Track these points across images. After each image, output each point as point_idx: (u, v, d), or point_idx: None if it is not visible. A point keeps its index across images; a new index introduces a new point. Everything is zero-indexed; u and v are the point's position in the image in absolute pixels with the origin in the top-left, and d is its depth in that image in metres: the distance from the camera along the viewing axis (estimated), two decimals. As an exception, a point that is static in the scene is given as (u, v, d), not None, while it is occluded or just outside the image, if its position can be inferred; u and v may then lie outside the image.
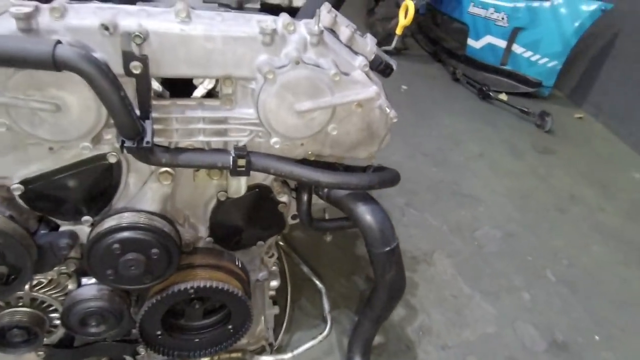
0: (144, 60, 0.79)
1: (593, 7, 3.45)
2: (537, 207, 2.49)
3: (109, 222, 0.93)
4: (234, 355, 1.34)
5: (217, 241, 1.14)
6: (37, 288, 1.02)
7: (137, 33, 0.77)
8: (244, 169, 0.94)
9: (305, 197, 1.09)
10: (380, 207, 1.07)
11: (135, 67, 0.79)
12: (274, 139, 0.95)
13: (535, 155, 3.07)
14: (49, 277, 1.03)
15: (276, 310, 1.43)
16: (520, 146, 3.15)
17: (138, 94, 0.82)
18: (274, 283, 1.38)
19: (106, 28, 0.76)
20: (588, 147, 3.28)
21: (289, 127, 0.93)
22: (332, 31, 0.95)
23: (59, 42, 0.69)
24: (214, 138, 0.96)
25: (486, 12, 4.01)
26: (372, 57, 1.02)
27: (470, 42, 4.21)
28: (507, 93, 3.86)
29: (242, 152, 0.94)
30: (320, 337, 1.37)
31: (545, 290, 1.93)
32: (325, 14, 0.95)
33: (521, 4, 3.77)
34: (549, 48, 3.68)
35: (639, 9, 3.42)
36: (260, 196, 1.09)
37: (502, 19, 3.88)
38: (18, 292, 1.00)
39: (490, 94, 3.79)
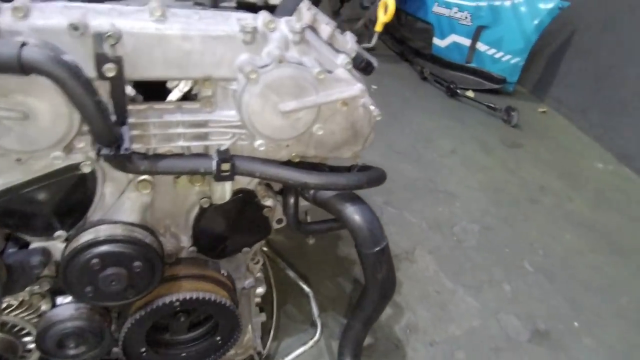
0: (118, 61, 0.74)
1: (551, 5, 3.58)
2: (510, 200, 2.55)
3: (86, 236, 0.87)
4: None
5: (200, 250, 1.09)
6: (8, 311, 0.95)
7: (109, 33, 0.73)
8: (228, 173, 0.90)
9: (291, 200, 1.06)
10: (368, 207, 1.05)
11: (109, 69, 0.74)
12: (258, 142, 0.92)
13: (504, 150, 3.14)
14: (20, 299, 0.96)
15: (263, 317, 1.39)
16: (490, 141, 3.22)
17: (112, 99, 0.77)
18: (260, 290, 1.34)
19: (75, 28, 0.71)
20: (553, 140, 3.39)
21: (274, 129, 0.90)
22: (313, 29, 0.93)
23: (24, 43, 0.64)
24: (195, 142, 0.92)
25: (450, 12, 4.09)
26: (354, 54, 1.01)
27: (436, 41, 4.28)
28: (473, 90, 3.95)
29: (225, 156, 0.90)
30: (311, 342, 1.35)
31: (523, 281, 1.97)
32: (305, 11, 0.93)
33: (483, 3, 3.87)
34: (511, 45, 3.78)
35: (593, 5, 3.57)
36: (244, 201, 1.05)
37: (466, 17, 3.97)
38: (-14, 317, 0.93)
39: (458, 91, 3.87)
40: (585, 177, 2.91)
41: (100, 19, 0.74)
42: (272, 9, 1.06)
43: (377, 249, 1.04)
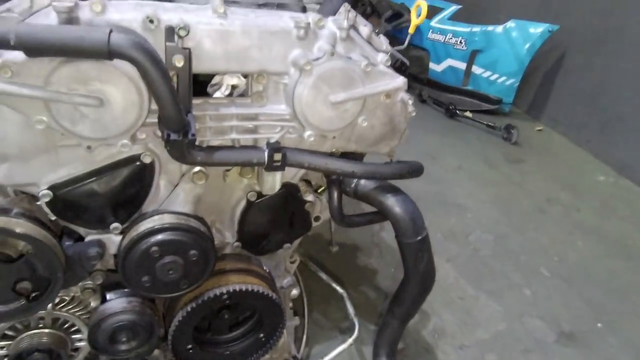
0: (187, 53, 0.79)
1: (541, 29, 3.76)
2: (519, 211, 2.60)
3: (146, 224, 0.90)
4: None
5: (244, 246, 1.11)
6: (60, 306, 0.95)
7: (180, 26, 0.78)
8: (279, 163, 0.94)
9: (335, 193, 1.09)
10: (408, 197, 1.09)
11: (179, 59, 0.79)
12: (307, 132, 0.96)
13: (508, 165, 3.22)
14: (72, 294, 0.97)
15: (297, 321, 1.39)
16: (493, 157, 3.30)
17: (180, 88, 0.82)
18: (294, 292, 1.35)
19: (151, 21, 0.77)
20: (553, 156, 3.49)
21: (323, 119, 0.95)
22: (355, 28, 1.00)
23: (112, 30, 0.69)
24: (246, 135, 0.96)
25: (445, 38, 4.27)
26: (389, 54, 1.07)
27: (432, 65, 4.44)
28: (471, 111, 4.07)
29: (277, 146, 0.94)
30: (350, 340, 1.34)
31: (543, 285, 1.99)
32: (346, 12, 0.99)
33: (477, 29, 4.05)
34: (505, 67, 3.94)
35: (582, 27, 3.75)
36: (288, 195, 1.08)
37: (461, 42, 4.14)
38: (39, 312, 0.93)
39: (457, 112, 3.99)
40: (588, 189, 2.99)
41: (170, 15, 0.80)
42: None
43: (419, 238, 1.07)
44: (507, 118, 4.03)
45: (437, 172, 2.92)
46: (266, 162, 0.93)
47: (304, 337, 1.46)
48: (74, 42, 0.67)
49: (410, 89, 3.89)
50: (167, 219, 0.91)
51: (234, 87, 1.04)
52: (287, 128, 0.98)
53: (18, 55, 0.70)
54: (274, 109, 0.96)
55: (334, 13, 0.99)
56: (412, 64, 4.70)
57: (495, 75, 4.02)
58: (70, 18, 0.73)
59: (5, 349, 0.93)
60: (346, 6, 1.01)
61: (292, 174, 1.06)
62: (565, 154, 3.53)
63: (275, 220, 1.10)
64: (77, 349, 1.01)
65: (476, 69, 4.13)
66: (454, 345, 1.62)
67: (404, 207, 1.07)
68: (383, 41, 1.09)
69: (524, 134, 3.72)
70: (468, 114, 4.00)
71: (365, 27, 1.03)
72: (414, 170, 1.06)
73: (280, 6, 1.04)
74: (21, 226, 0.80)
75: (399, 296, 1.21)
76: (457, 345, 1.62)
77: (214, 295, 0.99)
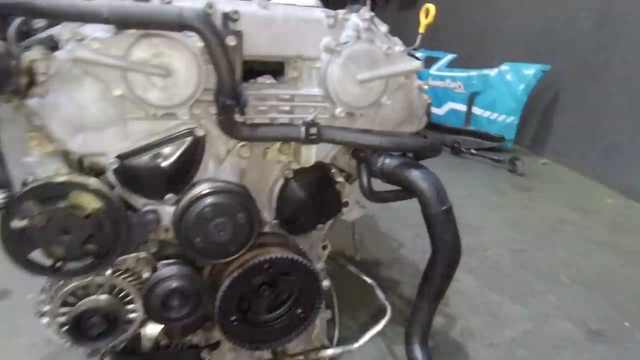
0: (239, 34, 0.94)
1: (533, 70, 4.02)
2: (533, 230, 2.66)
3: (200, 188, 1.00)
4: (296, 358, 1.30)
5: (282, 224, 1.20)
6: (117, 274, 1.03)
7: (234, 11, 0.94)
8: (315, 137, 1.06)
9: (365, 172, 1.19)
10: (431, 172, 1.19)
11: (231, 39, 0.94)
12: (338, 109, 1.09)
13: (516, 192, 3.32)
14: (127, 265, 1.04)
15: (329, 314, 1.43)
16: (501, 186, 3.41)
17: (229, 63, 0.96)
18: (325, 283, 1.40)
19: (210, 7, 0.92)
20: (559, 183, 3.59)
21: (352, 96, 1.08)
22: (374, 24, 1.16)
23: (185, 7, 0.84)
24: (283, 115, 1.09)
25: (444, 83, 4.55)
26: (405, 49, 1.22)
27: (434, 110, 4.68)
28: (475, 149, 4.23)
29: (313, 122, 1.06)
30: (383, 321, 1.37)
31: (566, 292, 2.01)
32: (366, 12, 1.16)
33: (473, 73, 4.33)
34: (504, 106, 4.16)
35: (573, 66, 4.01)
36: (321, 173, 1.19)
37: (459, 86, 4.41)
38: (99, 279, 1.00)
39: (462, 149, 4.15)
40: (598, 211, 3.05)
41: (224, 4, 0.96)
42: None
43: (444, 208, 1.16)
44: (511, 154, 4.17)
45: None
46: (303, 136, 1.05)
47: (336, 329, 1.48)
48: (154, 15, 0.82)
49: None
50: (218, 184, 1.01)
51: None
52: (320, 109, 1.11)
53: (106, 32, 0.85)
54: (308, 91, 1.10)
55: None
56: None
57: (495, 115, 4.23)
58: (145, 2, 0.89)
59: (66, 315, 0.99)
60: (365, 8, 1.19)
61: (324, 154, 1.17)
62: (572, 182, 3.63)
63: (310, 198, 1.19)
64: (130, 321, 1.06)
65: (476, 110, 4.36)
66: (483, 344, 1.62)
67: (428, 180, 1.16)
68: (397, 40, 1.25)
69: (530, 167, 3.85)
70: (473, 151, 4.16)
71: (382, 26, 1.19)
72: (434, 147, 1.18)
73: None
74: (96, 183, 0.90)
75: (428, 274, 1.26)
76: (486, 344, 1.63)
77: (258, 262, 1.06)
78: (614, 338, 1.71)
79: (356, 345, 1.32)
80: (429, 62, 4.87)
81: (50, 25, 0.99)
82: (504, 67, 4.17)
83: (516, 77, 4.09)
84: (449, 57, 4.73)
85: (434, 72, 4.66)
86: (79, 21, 0.83)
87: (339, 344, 1.41)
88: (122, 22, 0.83)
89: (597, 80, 3.75)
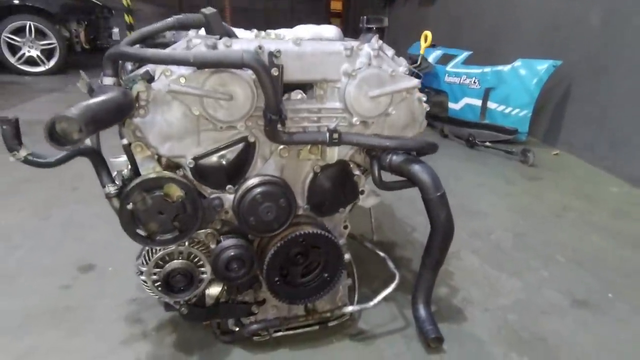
0: (280, 67, 1.28)
1: (546, 65, 4.22)
2: (536, 215, 2.92)
3: (252, 180, 1.35)
4: (324, 315, 1.65)
5: (311, 209, 1.54)
6: (192, 245, 1.39)
7: (277, 50, 1.28)
8: (336, 140, 1.39)
9: (376, 166, 1.52)
10: (429, 165, 1.50)
11: (275, 70, 1.28)
12: (354, 119, 1.42)
13: (526, 182, 3.57)
14: (199, 239, 1.41)
15: (349, 281, 1.77)
16: (511, 176, 3.66)
17: (274, 88, 1.30)
18: (347, 256, 1.74)
19: (260, 48, 1.27)
20: (569, 173, 3.81)
21: (365, 109, 1.41)
22: (383, 50, 1.48)
23: (245, 51, 1.18)
24: (312, 124, 1.42)
25: (460, 79, 4.79)
26: (407, 69, 1.54)
27: (451, 105, 4.93)
28: (490, 142, 4.47)
29: (334, 129, 1.40)
30: (393, 285, 1.69)
31: (558, 268, 2.28)
32: (376, 40, 1.48)
33: (487, 69, 4.56)
34: (517, 101, 4.37)
35: (584, 60, 4.20)
36: (342, 168, 1.52)
37: (474, 82, 4.64)
38: (180, 248, 1.37)
39: (477, 142, 4.40)
40: (602, 198, 3.28)
41: (269, 44, 1.30)
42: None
43: (439, 193, 1.48)
44: (524, 146, 4.40)
45: (460, 188, 3.30)
46: (328, 140, 1.38)
47: (355, 293, 1.81)
48: (223, 59, 1.17)
49: (432, 127, 4.54)
50: (266, 178, 1.36)
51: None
52: (340, 118, 1.44)
53: (188, 70, 1.20)
54: (331, 105, 1.43)
55: (368, 42, 1.48)
56: (433, 106, 5.21)
57: (509, 109, 4.45)
58: (213, 49, 1.24)
59: (157, 274, 1.37)
60: (376, 37, 1.51)
61: (344, 153, 1.50)
62: (580, 171, 3.85)
63: (333, 187, 1.53)
64: (201, 280, 1.43)
65: (491, 105, 4.58)
66: (479, 308, 1.93)
67: (426, 171, 1.48)
68: (402, 61, 1.56)
69: (541, 157, 4.08)
70: (487, 143, 4.41)
71: (389, 50, 1.51)
72: (431, 145, 1.49)
73: (329, 40, 1.54)
74: (181, 179, 1.27)
75: (428, 248, 1.59)
76: (482, 308, 1.93)
77: (294, 236, 1.41)
78: (596, 306, 1.99)
79: (371, 304, 1.65)
80: (446, 59, 5.12)
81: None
82: (517, 62, 4.38)
83: (529, 72, 4.30)
84: (465, 54, 4.96)
85: (450, 69, 4.90)
86: (173, 64, 1.19)
87: (357, 304, 1.75)
88: (201, 65, 1.18)
89: (607, 74, 3.93)
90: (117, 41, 8.89)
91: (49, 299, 1.84)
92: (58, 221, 2.49)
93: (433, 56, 5.19)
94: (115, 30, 8.49)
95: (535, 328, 1.82)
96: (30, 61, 6.96)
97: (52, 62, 7.04)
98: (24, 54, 6.87)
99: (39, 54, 6.94)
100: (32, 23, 6.73)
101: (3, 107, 5.10)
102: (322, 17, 13.29)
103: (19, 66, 6.88)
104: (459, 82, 4.80)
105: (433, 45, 5.65)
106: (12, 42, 6.75)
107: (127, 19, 9.18)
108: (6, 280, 1.96)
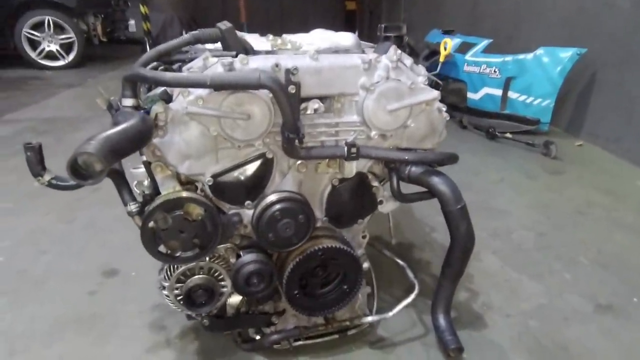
0: (298, 84, 1.27)
1: (569, 53, 4.09)
2: (559, 213, 2.87)
3: (271, 197, 1.36)
4: (343, 323, 1.66)
5: (330, 220, 1.54)
6: (212, 260, 1.41)
7: (293, 68, 1.26)
8: (355, 154, 1.38)
9: (395, 178, 1.50)
10: (449, 177, 1.48)
11: (292, 89, 1.26)
12: (373, 132, 1.40)
13: (548, 176, 3.49)
14: (219, 253, 1.42)
15: (368, 289, 1.77)
16: (533, 170, 3.59)
17: (292, 107, 1.29)
18: (365, 265, 1.74)
19: (277, 65, 1.25)
20: (593, 166, 3.71)
21: (383, 122, 1.39)
22: (401, 61, 1.45)
23: (261, 72, 1.17)
24: (329, 138, 1.41)
25: (480, 69, 4.67)
26: (426, 77, 1.51)
27: (470, 95, 4.83)
28: (511, 133, 4.37)
29: (353, 143, 1.38)
30: (412, 295, 1.69)
31: (582, 271, 2.24)
32: (394, 50, 1.45)
33: (509, 58, 4.44)
34: (540, 90, 4.26)
35: (609, 48, 4.05)
36: (360, 181, 1.51)
37: (495, 72, 4.53)
38: (201, 264, 1.39)
39: (497, 134, 4.32)
40: (628, 193, 3.19)
41: (286, 61, 1.28)
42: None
43: (459, 206, 1.46)
44: (547, 137, 4.29)
45: (480, 184, 3.25)
46: (346, 154, 1.37)
47: (375, 301, 1.82)
48: (240, 80, 1.16)
49: (451, 118, 4.39)
50: (284, 194, 1.36)
51: (315, 110, 1.49)
52: (358, 132, 1.42)
53: (205, 91, 1.20)
54: (349, 118, 1.41)
55: (386, 52, 1.45)
56: (451, 95, 5.12)
57: (531, 98, 4.34)
58: (230, 68, 1.23)
59: (179, 289, 1.39)
60: (394, 47, 1.47)
61: (362, 165, 1.49)
62: (605, 164, 3.75)
63: (352, 199, 1.53)
64: (222, 294, 1.45)
65: (512, 94, 4.48)
66: (500, 314, 1.92)
67: (446, 183, 1.45)
68: (421, 69, 1.53)
69: (564, 149, 3.98)
70: (508, 135, 4.32)
71: (407, 60, 1.48)
72: (451, 158, 1.47)
73: (347, 51, 1.51)
74: (200, 198, 1.28)
75: (447, 259, 1.57)
76: (504, 314, 1.92)
77: (313, 250, 1.41)
78: (620, 311, 1.95)
79: (390, 314, 1.65)
80: (465, 47, 4.99)
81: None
82: (540, 51, 4.25)
83: (552, 61, 4.17)
84: (485, 42, 4.83)
85: (469, 57, 4.79)
86: (191, 87, 1.19)
87: (376, 313, 1.75)
88: (218, 87, 1.17)
89: (634, 63, 3.78)
90: (133, 33, 8.95)
91: (77, 306, 1.89)
92: (82, 224, 2.55)
93: (452, 44, 5.06)
94: (132, 22, 8.53)
95: (557, 335, 1.80)
96: (50, 55, 7.07)
97: (71, 56, 7.14)
98: (43, 48, 6.98)
99: (58, 48, 7.03)
100: (50, 18, 6.81)
101: (27, 104, 5.22)
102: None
103: (39, 61, 7.01)
104: (478, 72, 4.69)
105: (451, 31, 5.51)
106: (32, 37, 6.85)
107: (142, 9, 9.20)
108: (37, 286, 2.02)
